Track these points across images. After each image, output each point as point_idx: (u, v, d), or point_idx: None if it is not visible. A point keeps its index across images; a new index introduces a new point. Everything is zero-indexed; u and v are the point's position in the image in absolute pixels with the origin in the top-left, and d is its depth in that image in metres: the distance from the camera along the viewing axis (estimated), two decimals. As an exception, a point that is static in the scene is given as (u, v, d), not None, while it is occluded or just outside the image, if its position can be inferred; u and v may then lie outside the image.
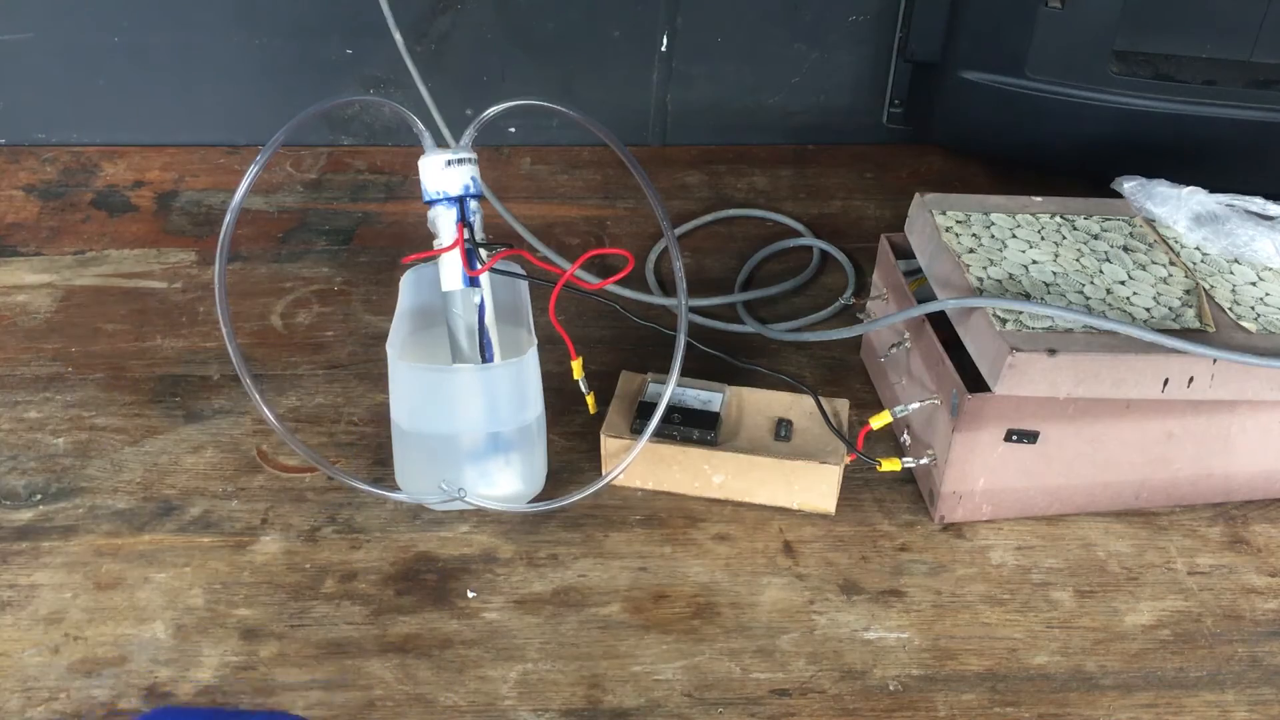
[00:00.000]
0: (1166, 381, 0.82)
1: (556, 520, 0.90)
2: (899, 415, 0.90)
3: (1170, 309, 0.87)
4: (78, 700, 0.76)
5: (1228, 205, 0.97)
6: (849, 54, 1.35)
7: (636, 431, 0.89)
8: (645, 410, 0.90)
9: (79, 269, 1.16)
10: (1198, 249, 0.95)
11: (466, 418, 0.85)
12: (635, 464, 0.89)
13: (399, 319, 0.89)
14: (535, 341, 0.87)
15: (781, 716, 0.77)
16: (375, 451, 0.95)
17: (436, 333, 0.90)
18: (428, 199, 0.84)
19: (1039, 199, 0.99)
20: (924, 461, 0.90)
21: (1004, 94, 1.20)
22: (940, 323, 0.89)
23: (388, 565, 0.86)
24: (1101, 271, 0.90)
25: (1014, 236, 0.94)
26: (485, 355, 0.86)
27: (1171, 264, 0.92)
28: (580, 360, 0.92)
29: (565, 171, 1.34)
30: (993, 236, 0.93)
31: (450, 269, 0.85)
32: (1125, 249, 0.93)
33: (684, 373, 0.88)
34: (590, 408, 0.95)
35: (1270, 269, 0.93)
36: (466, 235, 0.84)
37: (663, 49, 1.33)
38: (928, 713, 0.77)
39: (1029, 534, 0.90)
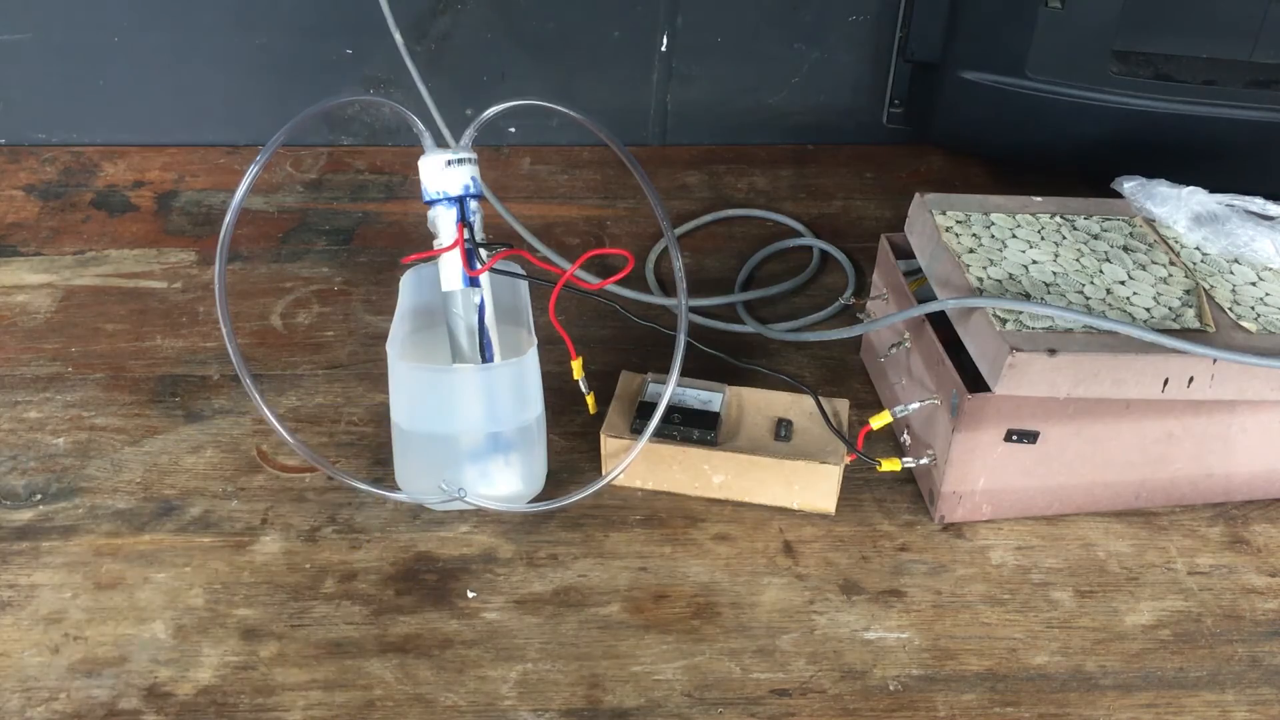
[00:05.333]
0: (1166, 381, 0.82)
1: (556, 520, 0.90)
2: (899, 415, 0.90)
3: (1170, 309, 0.87)
4: (78, 700, 0.76)
5: (1228, 205, 0.97)
6: (849, 54, 1.35)
7: (636, 431, 0.89)
8: (645, 410, 0.90)
9: (79, 269, 1.16)
10: (1198, 249, 0.95)
11: (466, 418, 0.85)
12: (635, 464, 0.89)
13: (399, 319, 0.89)
14: (535, 341, 0.87)
15: (781, 716, 0.77)
16: (375, 451, 0.95)
17: (436, 333, 0.90)
18: (428, 199, 0.84)
19: (1039, 199, 0.99)
20: (924, 461, 0.90)
21: (1004, 94, 1.20)
22: (940, 323, 0.89)
23: (388, 565, 0.86)
24: (1101, 271, 0.90)
25: (1014, 236, 0.94)
26: (485, 355, 0.86)
27: (1171, 264, 0.92)
28: (580, 360, 0.92)
29: (565, 171, 1.34)
30: (993, 236, 0.94)
31: (450, 269, 0.85)
32: (1125, 249, 0.93)
33: (684, 373, 0.88)
34: (590, 408, 0.95)
35: (1270, 269, 0.93)
36: (466, 235, 0.84)
37: (663, 49, 1.33)
38: (928, 713, 0.77)
39: (1029, 534, 0.90)
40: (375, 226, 1.24)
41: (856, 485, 0.93)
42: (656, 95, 1.37)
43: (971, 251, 0.91)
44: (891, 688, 0.79)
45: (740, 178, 1.34)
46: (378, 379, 1.02)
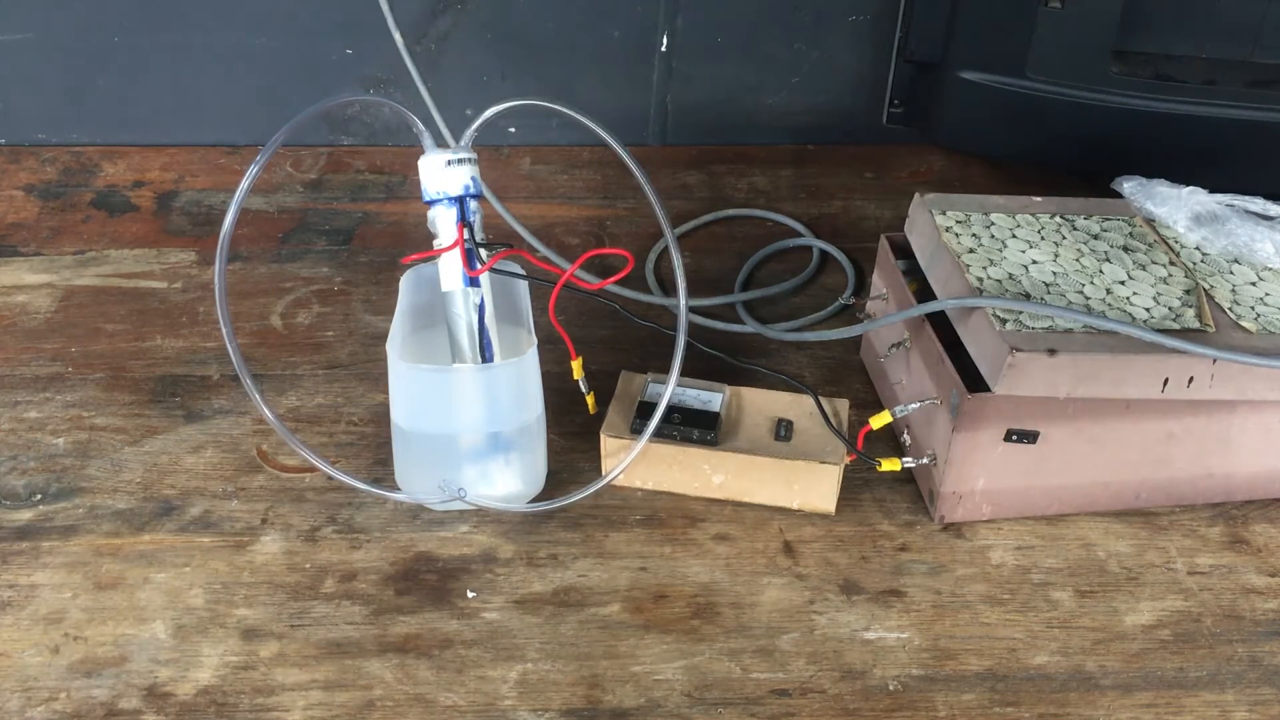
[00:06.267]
0: (1166, 381, 0.82)
1: (556, 520, 0.90)
2: (899, 415, 0.90)
3: (1170, 309, 0.87)
4: (78, 700, 0.76)
5: (1228, 205, 0.97)
6: (849, 54, 1.35)
7: (636, 431, 0.89)
8: (645, 410, 0.90)
9: (79, 269, 1.16)
10: (1198, 249, 0.95)
11: (466, 418, 0.85)
12: (635, 464, 0.89)
13: (399, 319, 0.89)
14: (535, 341, 0.87)
15: (781, 716, 0.77)
16: (375, 451, 0.95)
17: (436, 333, 0.90)
18: (428, 199, 0.84)
19: (1039, 199, 0.99)
20: (924, 461, 0.90)
21: (1004, 94, 1.20)
22: (940, 323, 0.89)
23: (388, 565, 0.86)
24: (1101, 271, 0.90)
25: (1014, 236, 0.94)
26: (485, 355, 0.86)
27: (1171, 264, 0.92)
28: (580, 360, 0.92)
29: (565, 171, 1.34)
30: (993, 236, 0.94)
31: (450, 269, 0.85)
32: (1125, 249, 0.93)
33: (684, 373, 0.88)
34: (590, 408, 0.95)
35: (1270, 269, 0.93)
36: (466, 235, 0.84)
37: (663, 49, 1.33)
38: (928, 713, 0.77)
39: (1029, 534, 0.90)
40: (375, 226, 1.24)
41: (856, 485, 0.93)
42: (656, 95, 1.37)
43: (971, 251, 0.91)
44: (891, 688, 0.78)
45: (740, 178, 1.34)
46: (378, 379, 1.02)
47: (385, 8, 1.18)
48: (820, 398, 0.92)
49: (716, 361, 1.03)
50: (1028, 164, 1.31)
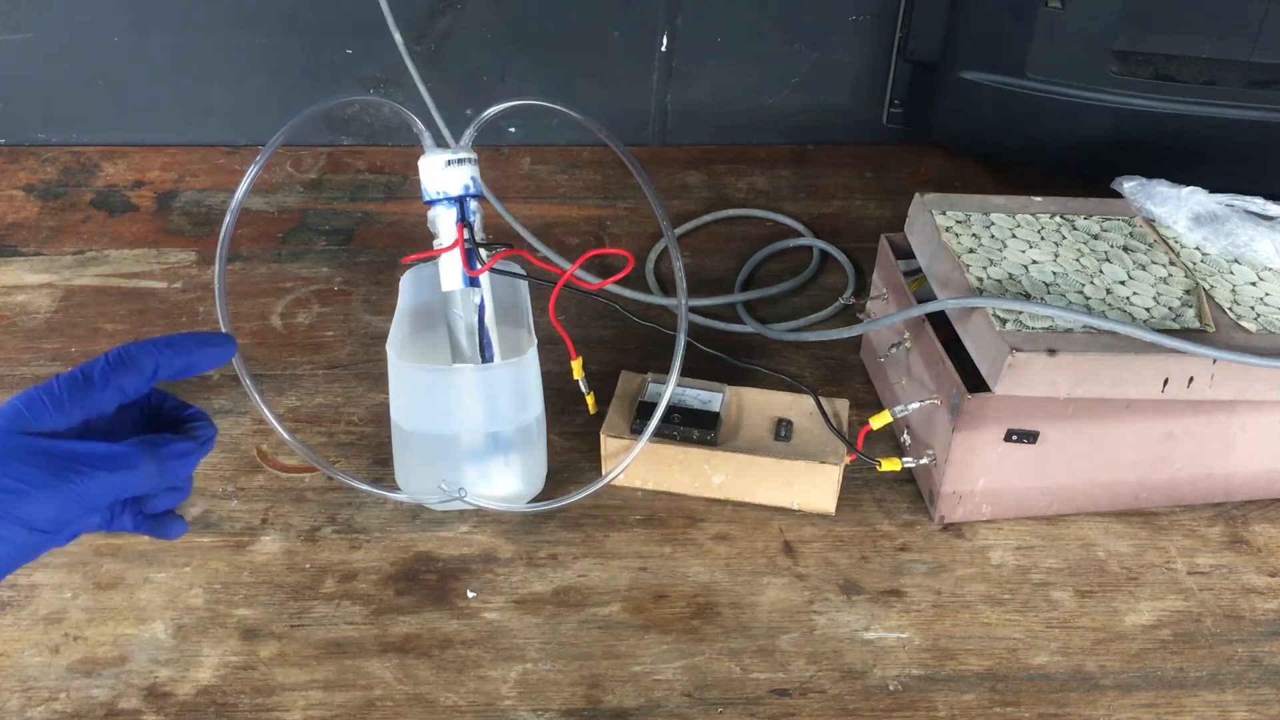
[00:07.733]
0: (1166, 381, 0.82)
1: (556, 520, 0.90)
2: (899, 415, 0.90)
3: (1170, 309, 0.87)
4: (78, 700, 0.76)
5: (1228, 205, 0.97)
6: (849, 54, 1.35)
7: (636, 431, 0.89)
8: (645, 410, 0.90)
9: (79, 269, 1.16)
10: (1198, 249, 0.95)
11: (466, 418, 0.85)
12: (635, 464, 0.89)
13: (399, 319, 0.89)
14: (535, 341, 0.87)
15: (781, 716, 0.77)
16: (375, 451, 0.95)
17: (436, 333, 0.90)
18: (428, 199, 0.84)
19: (1039, 199, 0.99)
20: (924, 461, 0.90)
21: (1004, 94, 1.20)
22: (940, 323, 0.89)
23: (388, 565, 0.86)
24: (1101, 271, 0.90)
25: (1014, 236, 0.94)
26: (485, 355, 0.86)
27: (1171, 264, 0.92)
28: (580, 360, 0.92)
29: (565, 171, 1.34)
30: (993, 236, 0.94)
31: (450, 269, 0.85)
32: (1125, 249, 0.93)
33: (684, 373, 0.88)
34: (590, 408, 0.95)
35: (1270, 269, 0.93)
36: (466, 235, 0.84)
37: (663, 49, 1.33)
38: (928, 713, 0.77)
39: (1029, 534, 0.90)
40: (375, 226, 1.24)
41: (856, 485, 0.93)
42: (656, 95, 1.37)
43: (971, 251, 0.91)
44: (891, 688, 0.79)
45: (740, 178, 1.34)
46: (378, 379, 1.02)
47: (385, 8, 1.18)
48: (820, 398, 0.92)
49: (716, 361, 1.03)
50: (1028, 164, 1.31)
